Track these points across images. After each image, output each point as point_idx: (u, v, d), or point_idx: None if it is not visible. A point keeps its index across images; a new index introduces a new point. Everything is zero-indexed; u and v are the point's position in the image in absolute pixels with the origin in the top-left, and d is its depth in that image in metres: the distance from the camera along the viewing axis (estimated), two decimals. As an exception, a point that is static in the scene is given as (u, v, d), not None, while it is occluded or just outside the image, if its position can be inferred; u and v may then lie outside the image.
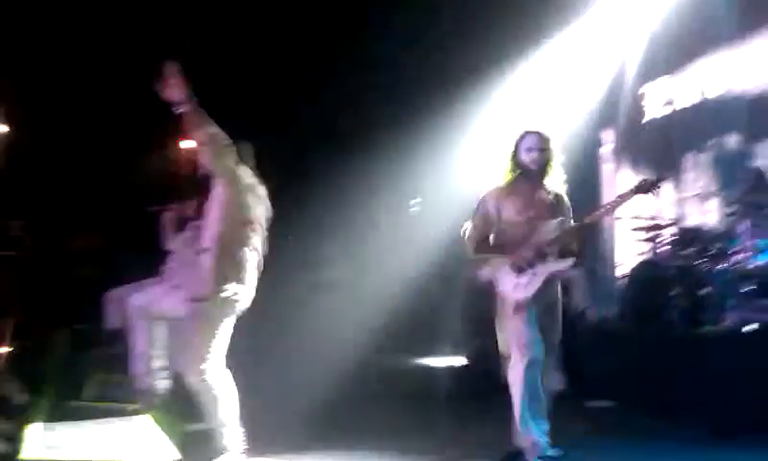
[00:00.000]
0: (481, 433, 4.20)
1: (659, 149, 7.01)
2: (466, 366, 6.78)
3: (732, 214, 5.12)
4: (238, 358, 3.55)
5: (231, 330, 3.45)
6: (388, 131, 8.48)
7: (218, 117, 3.37)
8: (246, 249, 3.45)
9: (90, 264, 7.25)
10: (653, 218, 5.90)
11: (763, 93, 5.89)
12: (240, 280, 3.42)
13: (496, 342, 3.50)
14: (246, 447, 3.40)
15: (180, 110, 3.24)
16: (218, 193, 3.47)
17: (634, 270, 5.85)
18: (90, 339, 5.29)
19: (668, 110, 7.02)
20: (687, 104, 6.82)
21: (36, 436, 3.49)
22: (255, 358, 5.04)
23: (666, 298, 5.09)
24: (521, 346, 3.26)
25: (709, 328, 4.64)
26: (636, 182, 3.42)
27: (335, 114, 8.88)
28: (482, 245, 3.48)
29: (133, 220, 6.31)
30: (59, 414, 3.83)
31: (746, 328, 4.28)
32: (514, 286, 3.31)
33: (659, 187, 3.38)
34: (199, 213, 3.86)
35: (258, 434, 3.52)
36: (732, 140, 5.85)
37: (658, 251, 5.84)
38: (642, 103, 7.39)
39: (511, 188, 3.45)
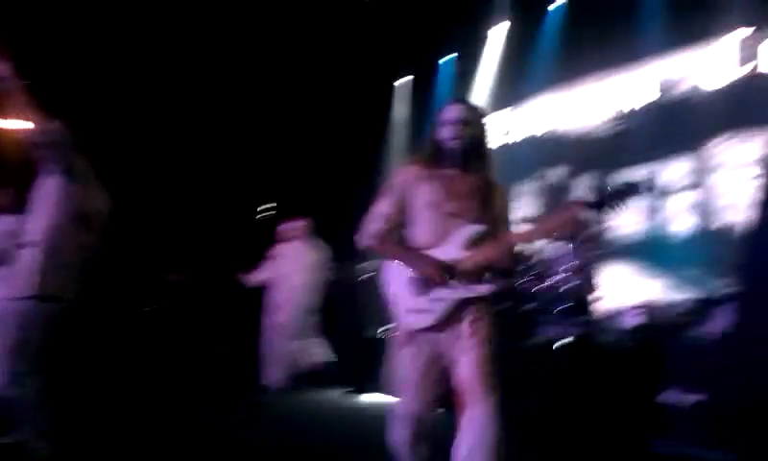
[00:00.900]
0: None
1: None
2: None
3: (553, 240, 5.65)
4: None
5: (51, 333, 3.20)
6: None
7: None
8: (76, 246, 3.23)
9: None
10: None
11: (584, 133, 6.73)
12: (67, 280, 3.19)
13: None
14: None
15: (9, 87, 2.98)
16: (52, 183, 3.22)
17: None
18: None
19: (505, 141, 7.68)
20: (520, 137, 7.54)
21: None
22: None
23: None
24: (398, 391, 2.61)
25: (529, 341, 5.06)
26: (588, 197, 2.46)
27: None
28: (387, 240, 2.65)
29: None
30: None
31: (558, 343, 4.73)
32: (407, 309, 2.55)
33: (623, 200, 2.40)
34: (17, 202, 3.52)
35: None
36: (557, 172, 6.47)
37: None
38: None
39: (428, 172, 2.63)
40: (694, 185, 5.88)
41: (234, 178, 9.12)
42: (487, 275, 2.56)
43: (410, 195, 2.62)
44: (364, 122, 8.87)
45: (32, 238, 3.19)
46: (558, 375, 4.56)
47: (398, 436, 2.54)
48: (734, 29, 5.58)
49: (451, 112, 2.63)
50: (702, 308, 4.61)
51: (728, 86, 5.67)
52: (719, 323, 4.31)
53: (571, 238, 5.20)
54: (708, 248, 5.57)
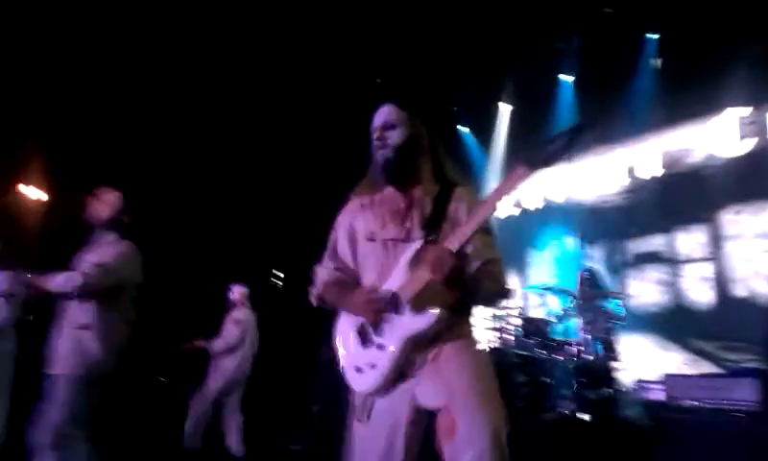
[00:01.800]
0: None
1: (507, 244, 7.67)
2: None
3: (569, 309, 5.63)
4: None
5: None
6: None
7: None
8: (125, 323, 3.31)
9: None
10: (503, 308, 6.30)
11: (596, 203, 6.82)
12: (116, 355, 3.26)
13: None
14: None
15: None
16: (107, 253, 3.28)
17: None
18: None
19: (517, 211, 7.77)
20: (533, 207, 7.64)
21: None
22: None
23: (512, 384, 5.38)
24: None
25: (548, 415, 4.97)
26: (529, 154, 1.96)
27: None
28: (330, 288, 2.22)
29: None
30: None
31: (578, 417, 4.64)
32: (355, 368, 2.06)
33: (567, 147, 1.92)
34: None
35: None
36: (571, 241, 6.49)
37: (503, 338, 6.22)
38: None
39: (365, 200, 2.26)
40: (710, 257, 5.90)
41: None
42: (444, 292, 1.98)
43: (352, 233, 2.22)
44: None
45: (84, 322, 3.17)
46: (577, 450, 4.48)
47: None
48: (737, 105, 5.72)
49: (379, 118, 2.22)
50: (723, 384, 4.55)
51: (736, 159, 5.76)
52: (742, 398, 4.25)
53: (582, 306, 5.20)
54: (726, 320, 5.53)
